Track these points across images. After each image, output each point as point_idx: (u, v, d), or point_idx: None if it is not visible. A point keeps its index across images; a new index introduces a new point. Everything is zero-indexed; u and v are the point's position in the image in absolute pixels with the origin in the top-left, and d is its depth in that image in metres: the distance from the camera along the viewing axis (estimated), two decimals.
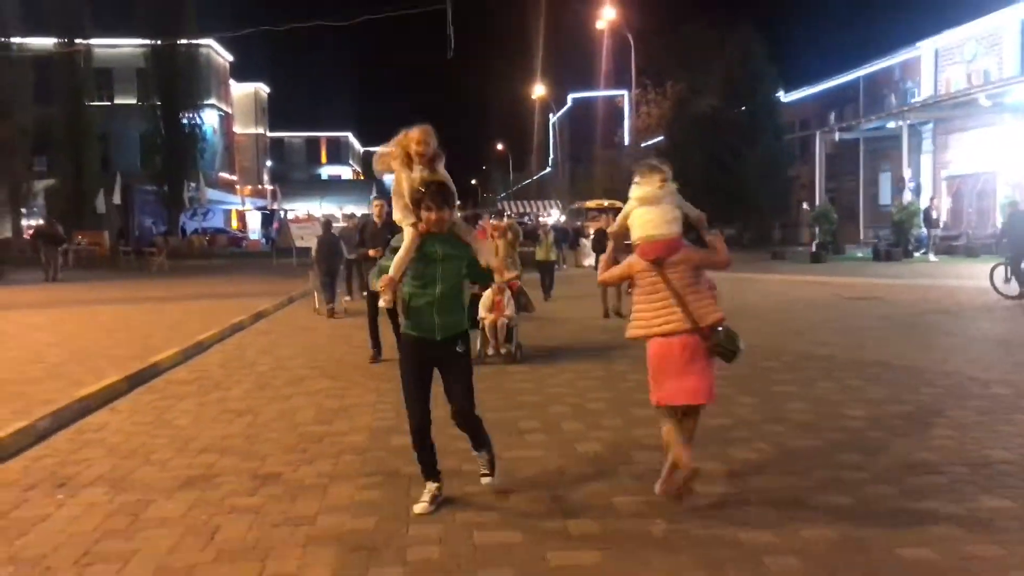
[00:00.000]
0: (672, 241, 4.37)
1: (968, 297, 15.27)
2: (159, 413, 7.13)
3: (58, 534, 4.31)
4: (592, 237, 14.21)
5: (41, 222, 29.76)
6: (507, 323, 9.42)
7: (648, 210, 4.41)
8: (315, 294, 15.64)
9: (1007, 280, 14.84)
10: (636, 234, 4.44)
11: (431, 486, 4.53)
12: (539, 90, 65.30)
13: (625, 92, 59.11)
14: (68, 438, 6.32)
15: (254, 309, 14.79)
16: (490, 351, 9.41)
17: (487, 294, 9.38)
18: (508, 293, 9.57)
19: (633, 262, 4.49)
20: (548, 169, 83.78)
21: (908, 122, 29.40)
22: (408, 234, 4.44)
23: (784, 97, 43.46)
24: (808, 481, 4.93)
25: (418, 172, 4.47)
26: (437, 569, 3.79)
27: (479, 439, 4.68)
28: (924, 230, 28.89)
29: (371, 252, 9.25)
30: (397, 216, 4.55)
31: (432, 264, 4.40)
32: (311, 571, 3.75)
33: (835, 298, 16.12)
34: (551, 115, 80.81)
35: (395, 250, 4.47)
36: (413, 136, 4.52)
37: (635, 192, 4.49)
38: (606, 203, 46.53)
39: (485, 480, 4.73)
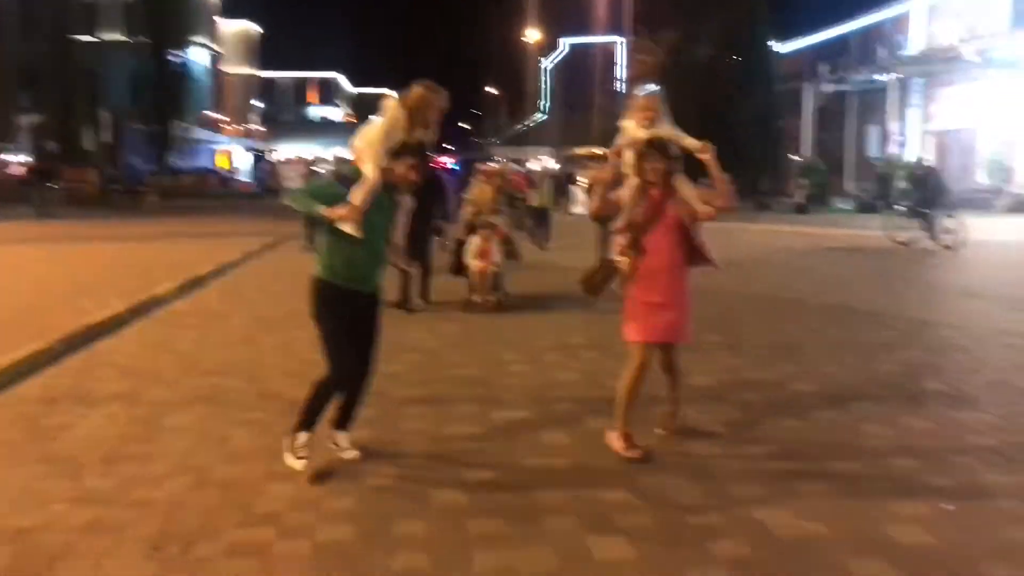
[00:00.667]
0: None
1: (941, 249, 15.81)
2: (164, 340, 7.61)
3: (85, 439, 4.82)
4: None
5: (30, 159, 29.77)
6: (495, 270, 9.30)
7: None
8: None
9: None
10: None
11: (304, 437, 4.25)
12: (534, 35, 64.76)
13: (621, 38, 58.77)
14: (81, 360, 6.80)
15: (246, 247, 15.19)
16: (477, 298, 9.27)
17: (474, 241, 9.29)
18: (496, 240, 9.43)
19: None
20: (542, 115, 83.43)
21: (897, 76, 29.60)
22: (371, 179, 4.15)
23: (778, 48, 43.42)
24: (760, 401, 5.46)
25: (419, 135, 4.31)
26: (426, 460, 4.32)
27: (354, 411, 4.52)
28: (908, 184, 29.35)
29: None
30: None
31: (383, 214, 4.26)
32: (311, 467, 4.26)
33: (814, 247, 16.64)
34: (543, 60, 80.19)
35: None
36: None
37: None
38: (599, 151, 46.78)
39: (350, 455, 4.48)
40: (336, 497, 3.99)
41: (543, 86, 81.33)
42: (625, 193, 4.62)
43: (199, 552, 3.41)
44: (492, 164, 18.14)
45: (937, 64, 28.91)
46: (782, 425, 5.08)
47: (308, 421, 4.23)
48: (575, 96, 67.18)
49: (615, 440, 4.51)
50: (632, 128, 4.73)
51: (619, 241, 4.64)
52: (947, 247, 15.25)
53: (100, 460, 4.44)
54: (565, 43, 76.49)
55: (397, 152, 4.19)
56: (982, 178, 28.69)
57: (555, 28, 71.56)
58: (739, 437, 4.86)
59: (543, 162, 47.61)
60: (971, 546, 3.45)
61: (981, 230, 19.53)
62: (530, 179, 22.03)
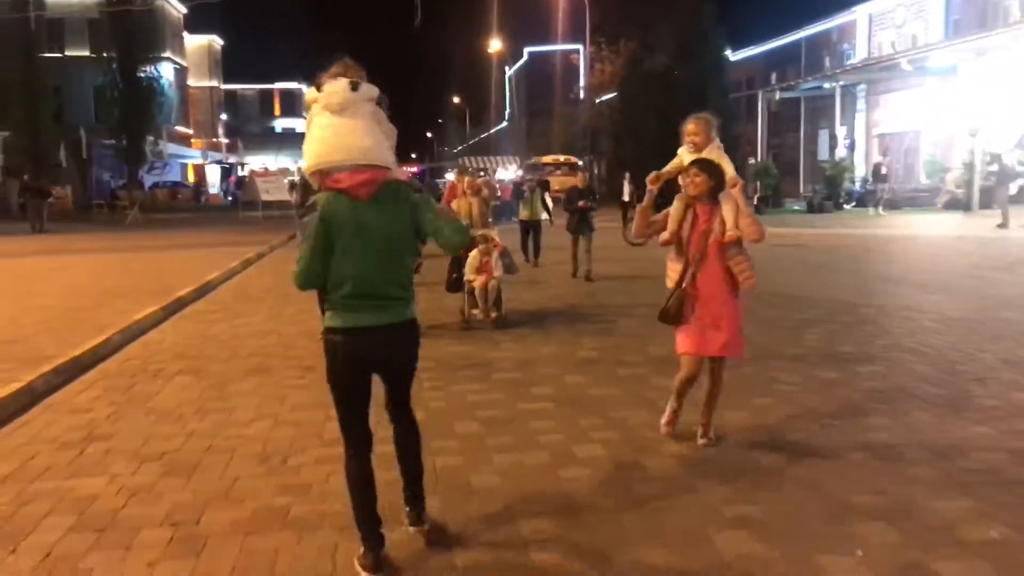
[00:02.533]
0: None
1: (879, 244, 17.47)
2: (202, 331, 8.88)
3: (173, 399, 6.10)
4: (565, 197, 13.33)
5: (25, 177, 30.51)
6: (497, 285, 8.94)
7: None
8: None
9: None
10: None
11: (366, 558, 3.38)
12: (495, 44, 66.24)
13: (580, 47, 60.49)
14: (139, 348, 8.06)
15: (243, 256, 16.38)
16: (479, 315, 8.97)
17: (474, 255, 8.90)
18: (496, 253, 9.06)
19: None
20: (505, 123, 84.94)
21: (841, 83, 31.53)
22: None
23: (731, 56, 45.35)
24: None
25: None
26: (443, 414, 5.66)
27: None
28: (856, 185, 31.30)
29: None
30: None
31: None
32: None
33: (761, 245, 18.19)
34: (507, 69, 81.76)
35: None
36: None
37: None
38: (562, 158, 48.40)
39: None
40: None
41: (507, 94, 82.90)
42: (665, 213, 4.77)
43: (294, 462, 4.73)
44: (457, 172, 18.80)
45: (877, 72, 30.81)
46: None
47: (361, 527, 3.39)
48: (537, 103, 68.82)
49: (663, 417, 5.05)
50: (683, 153, 4.85)
51: (671, 263, 4.79)
52: None
53: (193, 412, 5.74)
54: (527, 52, 78.26)
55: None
56: (922, 178, 30.64)
57: (517, 37, 73.21)
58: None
59: (507, 169, 48.81)
60: (840, 446, 4.88)
61: (917, 225, 21.38)
62: (518, 189, 21.04)
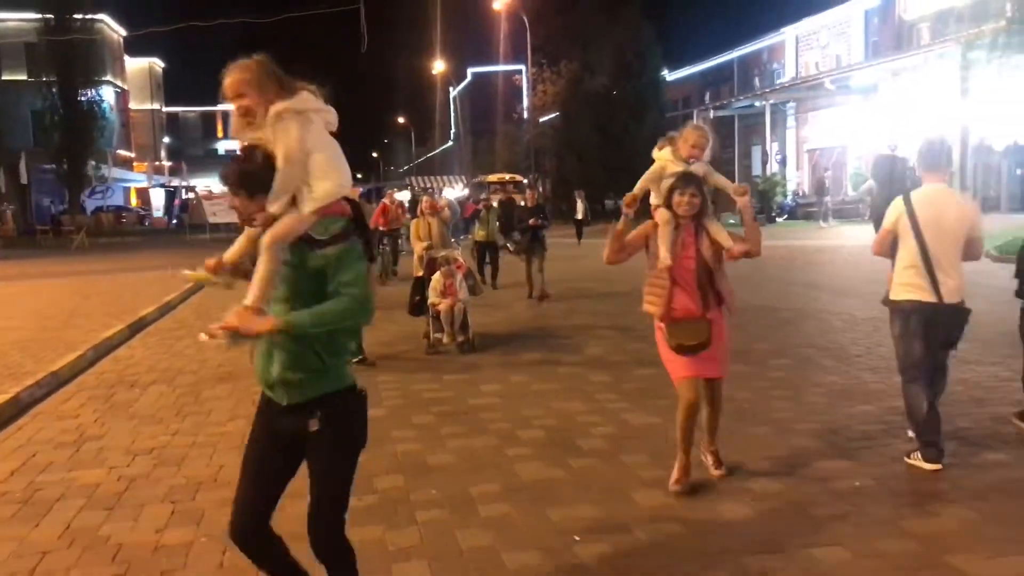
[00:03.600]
0: None
1: (803, 254, 18.62)
2: (168, 346, 9.41)
3: (153, 404, 6.69)
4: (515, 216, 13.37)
5: None
6: (463, 307, 8.61)
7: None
8: None
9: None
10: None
11: None
12: (439, 65, 67.20)
13: (523, 67, 61.67)
14: (111, 363, 8.59)
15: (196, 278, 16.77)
16: (444, 339, 8.57)
17: (436, 277, 8.64)
18: (459, 275, 8.74)
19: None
20: (450, 143, 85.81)
21: (771, 102, 33.04)
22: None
23: (668, 76, 46.92)
24: (628, 359, 7.69)
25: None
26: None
27: None
28: (788, 199, 32.79)
29: None
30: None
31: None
32: None
33: None
34: (451, 89, 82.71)
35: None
36: None
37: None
38: (507, 177, 49.33)
39: None
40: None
41: (452, 114, 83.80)
42: (637, 234, 4.48)
43: None
44: (388, 194, 19.24)
45: (804, 91, 32.39)
46: (639, 372, 7.30)
47: None
48: (481, 123, 69.83)
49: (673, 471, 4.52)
50: (666, 159, 4.52)
51: (651, 283, 4.45)
52: None
53: (173, 416, 6.34)
54: (470, 72, 79.33)
55: None
56: (849, 190, 32.22)
57: (461, 58, 74.23)
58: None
59: (457, 189, 49.52)
60: (746, 423, 5.69)
61: (845, 236, 22.68)
62: (474, 209, 20.96)
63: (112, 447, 5.58)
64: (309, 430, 2.68)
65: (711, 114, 37.05)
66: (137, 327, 10.67)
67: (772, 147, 34.33)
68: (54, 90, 48.64)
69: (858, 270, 15.32)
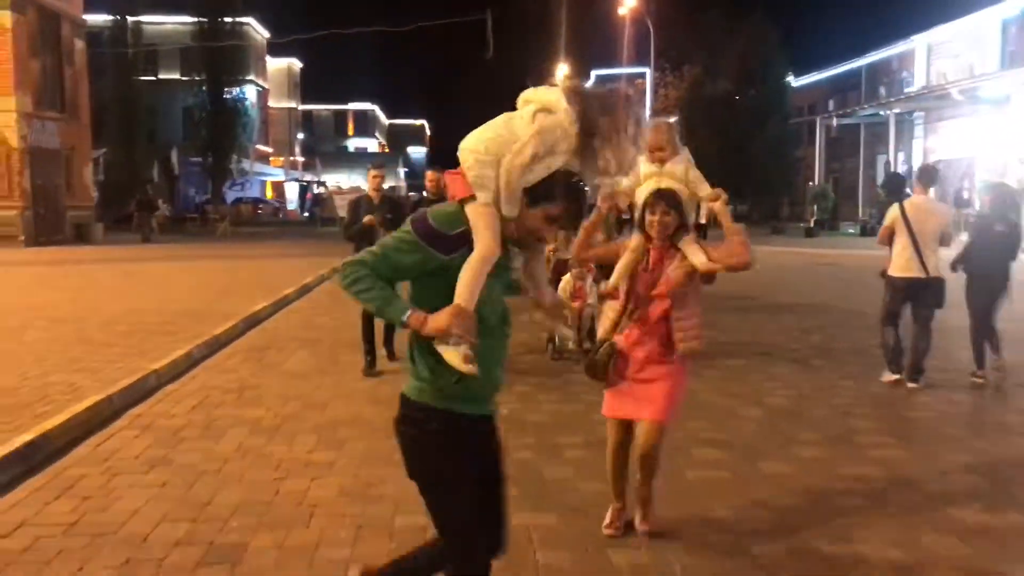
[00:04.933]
0: None
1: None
2: (307, 321, 10.89)
3: (299, 364, 8.01)
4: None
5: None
6: (592, 312, 7.94)
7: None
8: None
9: None
10: None
11: None
12: (563, 68, 68.19)
13: (646, 71, 61.89)
14: (259, 332, 10.05)
15: (331, 264, 18.33)
16: (573, 345, 7.89)
17: (566, 279, 8.15)
18: (590, 278, 8.09)
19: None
20: None
21: (896, 111, 32.46)
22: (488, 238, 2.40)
23: (794, 82, 46.41)
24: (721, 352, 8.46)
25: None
26: None
27: None
28: None
29: (366, 219, 7.55)
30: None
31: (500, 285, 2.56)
32: None
33: (806, 264, 19.54)
34: None
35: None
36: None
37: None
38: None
39: None
40: None
41: None
42: (614, 249, 4.09)
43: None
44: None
45: (930, 101, 31.68)
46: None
47: None
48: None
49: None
50: (643, 169, 3.89)
51: (609, 307, 4.05)
52: None
53: (316, 373, 7.59)
54: (594, 74, 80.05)
55: (539, 189, 2.44)
56: (976, 204, 31.31)
57: (584, 61, 74.95)
58: None
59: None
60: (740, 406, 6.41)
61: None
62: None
63: (268, 394, 6.82)
64: (495, 435, 2.67)
65: (835, 122, 36.63)
66: (280, 304, 12.13)
67: (899, 157, 33.67)
68: (204, 88, 52.39)
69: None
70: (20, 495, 4.57)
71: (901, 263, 6.91)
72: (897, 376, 7.03)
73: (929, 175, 7.39)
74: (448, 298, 2.34)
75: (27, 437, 5.18)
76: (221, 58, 51.91)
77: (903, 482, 4.76)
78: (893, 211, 6.95)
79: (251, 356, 8.45)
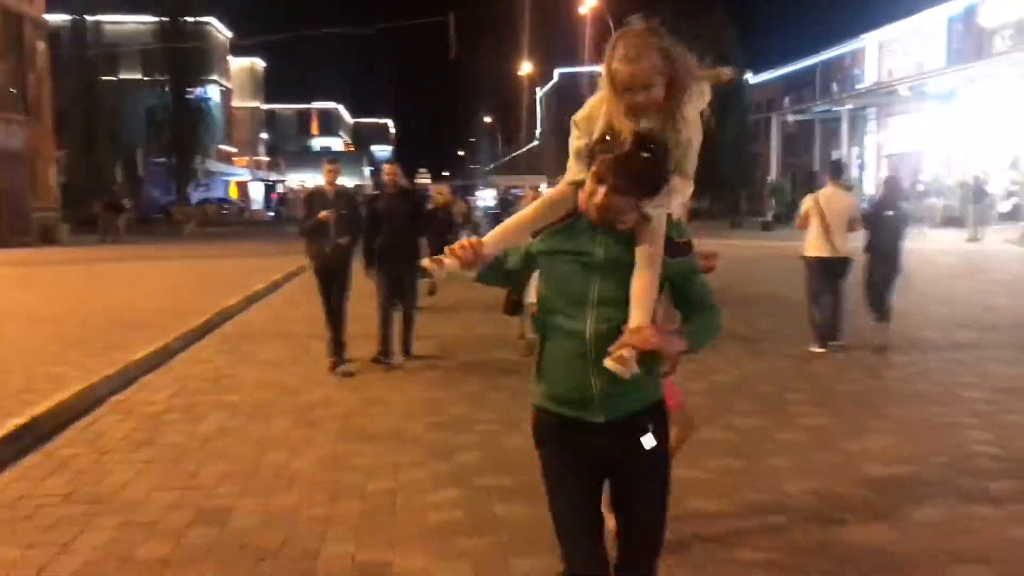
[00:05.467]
0: None
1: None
2: (278, 314, 11.23)
3: (271, 354, 8.36)
4: None
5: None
6: None
7: None
8: None
9: None
10: None
11: None
12: (526, 67, 68.72)
13: None
14: (233, 325, 10.41)
15: (300, 262, 18.55)
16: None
17: (536, 276, 7.91)
18: None
19: None
20: (535, 142, 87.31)
21: (850, 107, 33.42)
22: (554, 193, 2.53)
23: (751, 79, 47.33)
24: None
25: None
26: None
27: None
28: (864, 204, 33.08)
29: (321, 215, 7.36)
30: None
31: (589, 274, 2.38)
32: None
33: (762, 256, 20.21)
34: (537, 89, 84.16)
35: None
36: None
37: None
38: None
39: None
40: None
41: (537, 115, 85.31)
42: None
43: (360, 380, 6.89)
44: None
45: (880, 97, 32.68)
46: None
47: None
48: (566, 123, 70.86)
49: None
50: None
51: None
52: None
53: (290, 363, 7.97)
54: (556, 73, 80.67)
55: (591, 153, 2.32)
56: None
57: (547, 59, 75.62)
58: None
59: (539, 188, 50.60)
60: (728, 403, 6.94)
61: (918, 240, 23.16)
62: None
63: (244, 381, 7.21)
64: (643, 448, 2.35)
65: (789, 118, 37.54)
66: (251, 299, 12.47)
67: (853, 151, 34.66)
68: (166, 89, 52.08)
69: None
70: (16, 473, 4.94)
71: (815, 244, 7.94)
72: (822, 348, 7.99)
73: (837, 168, 8.69)
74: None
75: (18, 421, 5.53)
76: (183, 58, 51.65)
77: (827, 444, 5.29)
78: (808, 200, 8.06)
79: (225, 348, 8.82)
